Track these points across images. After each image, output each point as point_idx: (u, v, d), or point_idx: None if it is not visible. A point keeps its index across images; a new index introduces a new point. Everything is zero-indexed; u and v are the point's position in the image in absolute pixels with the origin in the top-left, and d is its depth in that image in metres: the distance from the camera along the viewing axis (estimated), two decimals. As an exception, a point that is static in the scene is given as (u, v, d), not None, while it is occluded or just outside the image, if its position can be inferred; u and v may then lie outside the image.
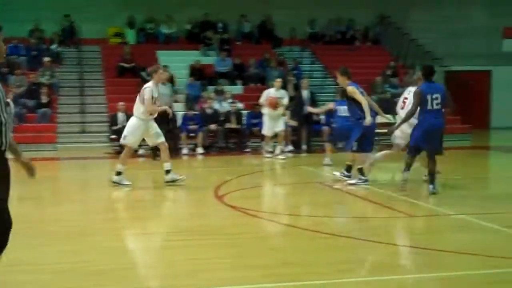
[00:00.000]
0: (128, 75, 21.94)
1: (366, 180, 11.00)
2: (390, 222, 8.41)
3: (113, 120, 17.67)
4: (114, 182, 11.16)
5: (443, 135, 10.32)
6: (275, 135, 16.65)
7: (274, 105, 16.05)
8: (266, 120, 16.43)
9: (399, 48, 25.01)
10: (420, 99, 9.93)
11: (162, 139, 11.22)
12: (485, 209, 9.06)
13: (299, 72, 22.36)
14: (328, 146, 14.66)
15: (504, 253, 6.51)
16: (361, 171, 11.02)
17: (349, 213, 9.17)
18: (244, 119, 18.60)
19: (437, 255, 6.47)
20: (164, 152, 11.28)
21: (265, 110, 16.46)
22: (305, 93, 17.67)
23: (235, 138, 18.52)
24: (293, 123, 17.76)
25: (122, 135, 11.57)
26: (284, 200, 10.60)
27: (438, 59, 24.24)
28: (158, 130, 11.29)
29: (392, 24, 25.46)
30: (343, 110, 13.63)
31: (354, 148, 11.02)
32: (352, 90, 11.09)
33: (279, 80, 17.42)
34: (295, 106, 17.69)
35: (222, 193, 10.38)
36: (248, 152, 17.84)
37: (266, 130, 16.22)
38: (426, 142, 9.98)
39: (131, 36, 23.78)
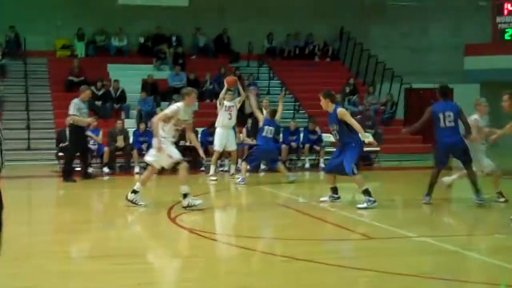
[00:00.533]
0: (76, 89, 21.58)
1: (374, 201, 10.81)
2: (349, 244, 8.47)
3: (60, 137, 17.46)
4: (129, 200, 10.93)
5: (465, 149, 10.88)
6: (223, 154, 16.67)
7: (233, 82, 16.07)
8: (218, 136, 16.19)
9: (359, 64, 25.33)
10: (431, 118, 10.92)
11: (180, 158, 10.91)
12: (447, 231, 9.18)
13: (256, 88, 22.41)
14: (244, 165, 14.87)
15: (464, 276, 6.60)
16: (366, 192, 10.89)
17: (307, 235, 9.21)
18: (199, 137, 18.54)
19: (401, 279, 6.52)
20: (182, 172, 10.87)
21: (218, 125, 16.22)
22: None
23: (189, 156, 18.44)
24: (252, 141, 17.82)
25: (148, 153, 11.30)
26: (240, 222, 10.58)
27: (398, 76, 24.63)
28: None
29: (352, 40, 25.78)
30: (269, 131, 14.16)
31: (355, 172, 10.85)
32: (344, 112, 11.05)
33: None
34: (253, 124, 17.75)
35: (175, 214, 10.31)
36: (203, 171, 17.78)
37: (218, 146, 16.15)
38: (447, 159, 10.98)
39: (80, 48, 23.61)
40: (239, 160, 17.12)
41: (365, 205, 10.71)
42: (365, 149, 19.55)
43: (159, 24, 24.27)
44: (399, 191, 14.53)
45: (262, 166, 17.14)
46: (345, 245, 8.43)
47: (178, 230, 9.27)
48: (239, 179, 14.67)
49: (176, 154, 10.94)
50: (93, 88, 20.58)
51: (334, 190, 11.45)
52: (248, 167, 14.99)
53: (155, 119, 11.05)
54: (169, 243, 8.53)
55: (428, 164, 20.42)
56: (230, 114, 15.93)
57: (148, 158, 11.21)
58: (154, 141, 10.97)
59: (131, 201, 10.92)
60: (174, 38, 24.41)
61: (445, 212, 11.31)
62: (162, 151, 10.80)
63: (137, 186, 11.03)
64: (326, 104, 11.10)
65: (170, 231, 9.32)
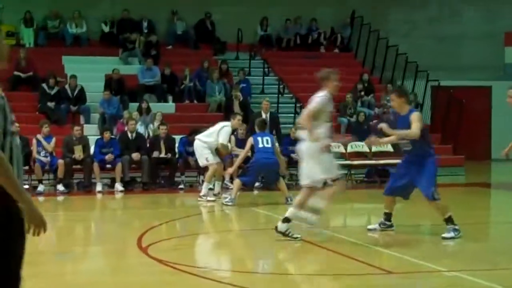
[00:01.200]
0: (24, 87, 21.74)
1: (459, 230, 10.85)
2: (364, 281, 8.49)
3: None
4: (280, 232, 10.36)
5: None
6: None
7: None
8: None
9: (375, 57, 25.41)
10: None
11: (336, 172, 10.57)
12: (483, 264, 9.22)
13: (248, 85, 22.51)
14: (237, 183, 14.96)
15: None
16: (450, 220, 10.79)
17: (310, 269, 9.22)
18: (176, 146, 18.58)
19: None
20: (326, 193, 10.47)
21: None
22: (264, 117, 17.88)
23: (165, 170, 18.47)
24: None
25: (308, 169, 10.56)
26: (225, 252, 10.59)
27: (423, 71, 24.71)
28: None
29: (366, 26, 25.87)
30: (265, 141, 14.29)
31: (436, 197, 10.58)
32: (420, 117, 10.69)
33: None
34: (246, 131, 17.79)
35: (147, 243, 10.31)
36: (181, 189, 17.80)
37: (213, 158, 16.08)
38: None
39: (28, 36, 23.60)
40: (226, 176, 17.14)
41: (451, 234, 10.56)
42: (381, 161, 19.79)
43: (127, 6, 24.31)
44: (424, 213, 14.54)
45: (257, 183, 17.17)
46: (358, 281, 8.44)
47: (150, 262, 9.27)
48: (227, 199, 14.69)
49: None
50: (44, 85, 20.62)
51: (388, 216, 11.30)
52: (242, 185, 14.98)
53: (304, 118, 10.41)
54: (139, 278, 8.53)
55: (460, 181, 20.57)
56: None
57: (318, 176, 10.28)
58: (311, 146, 10.20)
59: (283, 233, 10.36)
60: (145, 24, 24.44)
61: (482, 239, 11.33)
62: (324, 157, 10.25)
63: (291, 213, 10.39)
64: (400, 105, 10.77)
65: (141, 263, 9.32)
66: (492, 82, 25.63)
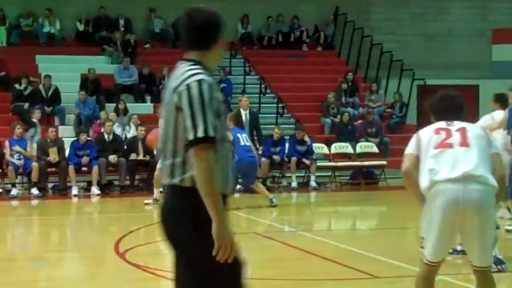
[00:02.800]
0: (-4, 87, 21.64)
1: None
2: (350, 286, 8.50)
3: (-25, 150, 17.35)
4: None
5: None
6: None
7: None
8: None
9: (359, 55, 25.45)
10: None
11: None
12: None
13: (228, 85, 22.50)
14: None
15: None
16: None
17: (294, 274, 9.22)
18: (155, 149, 18.52)
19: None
20: None
21: None
22: (243, 115, 17.83)
23: (143, 173, 18.42)
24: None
25: None
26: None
27: (409, 70, 24.78)
28: None
29: (350, 23, 25.91)
30: (245, 139, 14.25)
31: None
32: None
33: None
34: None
35: (125, 248, 10.29)
36: (160, 192, 17.75)
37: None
38: None
39: (0, 35, 23.49)
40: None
41: None
42: (366, 163, 19.84)
43: (103, 3, 24.23)
44: (411, 216, 14.57)
45: (237, 186, 17.13)
46: (344, 286, 8.45)
47: (127, 268, 9.25)
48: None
49: None
50: (17, 86, 20.52)
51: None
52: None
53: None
54: (116, 285, 8.50)
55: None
56: None
57: None
58: None
59: None
60: (122, 22, 24.37)
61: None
62: None
63: None
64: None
65: (118, 269, 9.29)
66: (480, 81, 25.72)
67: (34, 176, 17.19)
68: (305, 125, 19.81)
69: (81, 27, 24.15)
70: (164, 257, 10.05)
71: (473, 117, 15.33)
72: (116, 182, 18.28)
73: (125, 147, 18.39)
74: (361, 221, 12.97)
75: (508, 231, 11.55)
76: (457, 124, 6.06)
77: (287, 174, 19.14)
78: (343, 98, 22.99)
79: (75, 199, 17.00)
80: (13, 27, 23.73)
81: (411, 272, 8.87)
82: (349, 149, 19.97)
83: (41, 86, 20.89)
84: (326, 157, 19.77)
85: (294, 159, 18.75)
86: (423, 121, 24.33)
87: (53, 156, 17.47)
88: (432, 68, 25.47)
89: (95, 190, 17.35)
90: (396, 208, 15.93)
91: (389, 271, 8.95)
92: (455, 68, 25.56)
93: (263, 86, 23.39)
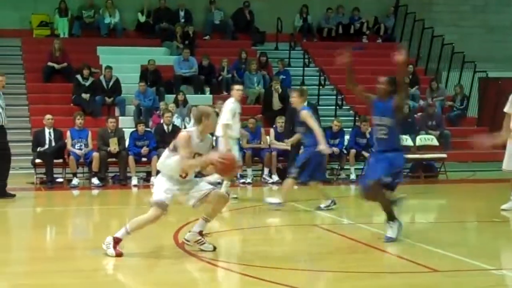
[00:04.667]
0: (58, 78, 21.91)
1: None
2: (407, 279, 8.43)
3: (38, 139, 17.59)
4: None
5: None
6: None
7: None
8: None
9: (420, 47, 25.25)
10: None
11: None
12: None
13: (287, 77, 22.48)
14: (290, 182, 13.57)
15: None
16: None
17: (353, 267, 9.18)
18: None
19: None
20: None
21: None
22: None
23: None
24: (283, 146, 17.84)
25: None
26: (265, 248, 10.57)
27: (471, 62, 24.50)
28: None
29: (410, 15, 25.71)
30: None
31: None
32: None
33: (238, 87, 15.02)
34: (288, 123, 17.64)
35: (183, 239, 10.32)
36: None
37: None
38: None
39: (62, 26, 23.77)
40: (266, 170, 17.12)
41: None
42: (427, 155, 19.64)
43: (163, -5, 24.42)
44: (471, 210, 14.44)
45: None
46: (401, 280, 8.39)
47: (185, 259, 9.28)
48: (274, 202, 13.62)
49: None
50: (78, 76, 20.76)
51: None
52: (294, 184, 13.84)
53: None
54: (172, 277, 8.54)
55: (508, 176, 20.30)
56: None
57: None
58: None
59: None
60: (182, 14, 24.51)
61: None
62: None
63: None
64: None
65: (175, 261, 9.33)
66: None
67: (95, 166, 17.36)
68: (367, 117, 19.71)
69: (142, 19, 24.33)
70: (220, 247, 10.09)
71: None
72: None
73: (185, 138, 18.45)
74: (421, 214, 12.85)
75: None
76: None
77: (345, 167, 19.07)
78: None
79: (134, 189, 17.13)
80: (75, 18, 24.01)
81: (470, 266, 8.79)
82: (409, 142, 19.80)
83: (102, 77, 21.12)
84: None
85: (353, 151, 18.68)
86: (484, 114, 24.20)
87: (113, 147, 17.62)
88: (493, 60, 25.14)
89: (154, 180, 17.44)
90: (456, 202, 15.77)
91: (448, 265, 8.86)
92: (518, 61, 25.22)
93: (322, 78, 23.33)
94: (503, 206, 12.75)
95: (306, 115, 12.82)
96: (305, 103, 13.92)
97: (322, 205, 13.25)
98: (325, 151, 13.06)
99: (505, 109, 12.88)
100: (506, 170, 12.74)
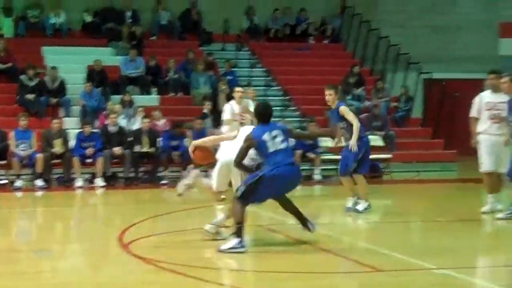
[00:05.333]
0: (2, 78, 21.65)
1: None
2: (351, 279, 8.49)
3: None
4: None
5: None
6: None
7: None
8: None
9: (366, 48, 25.41)
10: None
11: None
12: (474, 261, 9.23)
13: (234, 77, 22.48)
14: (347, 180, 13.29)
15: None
16: None
17: (297, 267, 9.22)
18: (160, 141, 18.56)
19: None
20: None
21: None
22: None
23: (147, 165, 18.45)
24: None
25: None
26: (209, 250, 10.57)
27: (416, 63, 24.73)
28: None
29: (357, 16, 25.86)
30: None
31: None
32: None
33: (239, 89, 15.78)
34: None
35: (128, 240, 10.29)
36: (165, 184, 17.78)
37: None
38: None
39: (7, 26, 23.49)
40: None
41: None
42: (372, 156, 19.77)
43: (110, -5, 24.24)
44: (415, 210, 14.59)
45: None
46: (346, 280, 8.44)
47: (131, 260, 9.24)
48: (364, 208, 12.99)
49: None
50: (23, 77, 20.53)
51: None
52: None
53: None
54: (120, 277, 8.50)
55: (452, 176, 20.60)
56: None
57: None
58: None
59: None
60: (129, 14, 24.34)
61: (474, 236, 11.36)
62: None
63: None
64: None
65: (122, 261, 9.29)
66: (486, 75, 25.58)
67: (39, 167, 17.22)
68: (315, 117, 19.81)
69: (88, 19, 24.13)
70: (167, 249, 10.07)
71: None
72: (120, 174, 18.29)
73: (130, 139, 18.39)
74: (365, 214, 12.93)
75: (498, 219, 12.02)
76: None
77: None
78: (349, 91, 22.94)
79: (79, 191, 17.02)
80: (19, 18, 23.72)
81: (413, 265, 8.88)
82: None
83: (46, 78, 20.91)
84: (331, 150, 19.72)
85: (299, 152, 18.73)
86: (428, 115, 24.46)
87: (57, 148, 17.49)
88: (439, 61, 25.39)
89: (99, 182, 17.38)
90: (400, 202, 15.93)
91: (392, 265, 8.94)
92: (462, 62, 25.47)
93: (269, 78, 23.38)
94: (483, 209, 12.78)
95: (345, 110, 12.65)
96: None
97: (360, 207, 12.83)
98: (353, 148, 12.58)
99: (470, 114, 13.06)
100: (487, 171, 12.75)
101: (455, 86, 24.89)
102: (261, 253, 9.95)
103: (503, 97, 12.58)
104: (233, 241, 9.62)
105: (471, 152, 13.68)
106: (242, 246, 9.59)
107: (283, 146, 9.81)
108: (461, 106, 24.63)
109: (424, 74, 24.89)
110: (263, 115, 10.00)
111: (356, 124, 12.54)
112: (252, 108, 15.77)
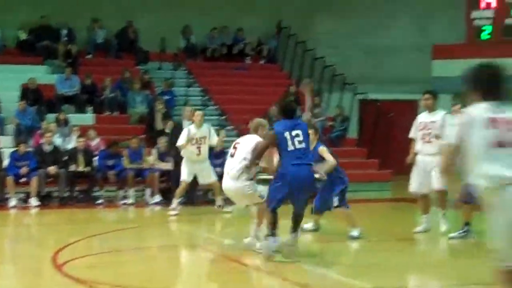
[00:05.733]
0: None
1: None
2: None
3: None
4: None
5: None
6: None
7: None
8: (185, 165, 16.02)
9: (301, 69, 25.62)
10: None
11: None
12: (407, 279, 9.35)
13: (172, 97, 22.49)
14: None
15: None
16: None
17: (229, 285, 9.25)
18: (96, 160, 18.45)
19: None
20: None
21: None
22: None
23: (83, 184, 18.31)
24: (166, 166, 17.85)
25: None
26: (145, 270, 10.55)
27: (351, 84, 25.01)
28: None
29: (293, 37, 26.08)
30: None
31: None
32: None
33: (199, 113, 16.80)
34: (172, 142, 17.68)
35: (63, 260, 10.21)
36: (100, 204, 17.67)
37: (186, 175, 15.92)
38: None
39: None
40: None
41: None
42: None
43: (45, 13, 24.03)
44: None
45: (180, 199, 17.10)
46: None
47: (66, 281, 9.18)
48: (355, 235, 12.54)
49: None
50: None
51: None
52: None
53: None
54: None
55: (386, 196, 20.83)
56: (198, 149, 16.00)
57: None
58: None
59: None
60: (64, 32, 24.18)
61: (408, 255, 11.52)
62: None
63: None
64: None
65: (56, 282, 9.22)
66: (419, 96, 25.94)
67: (-29, 187, 16.98)
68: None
69: (23, 36, 23.91)
70: (102, 269, 10.01)
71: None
72: (55, 194, 18.12)
73: (65, 158, 18.24)
74: (303, 236, 13.02)
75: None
76: None
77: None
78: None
79: (13, 211, 16.80)
80: (-50, 35, 23.42)
81: (347, 285, 8.94)
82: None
83: (-20, 96, 20.66)
84: (264, 170, 19.78)
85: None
86: (364, 135, 24.74)
87: (-9, 167, 17.27)
88: (373, 82, 25.71)
89: (34, 201, 17.18)
90: (335, 222, 16.07)
91: (327, 284, 9.00)
92: (396, 83, 25.82)
93: (206, 98, 23.44)
94: (417, 229, 12.91)
95: (323, 150, 12.18)
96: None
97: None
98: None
99: (410, 135, 13.27)
100: (415, 192, 12.96)
101: (389, 106, 25.26)
102: (194, 274, 9.97)
103: (436, 117, 12.79)
104: (268, 240, 10.20)
105: (406, 172, 13.90)
106: (275, 242, 10.18)
107: (301, 146, 10.23)
108: (395, 126, 25.05)
109: (359, 95, 25.19)
110: (287, 111, 10.55)
111: (332, 163, 12.40)
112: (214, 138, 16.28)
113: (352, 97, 25.18)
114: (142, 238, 13.83)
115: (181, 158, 16.56)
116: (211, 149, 16.97)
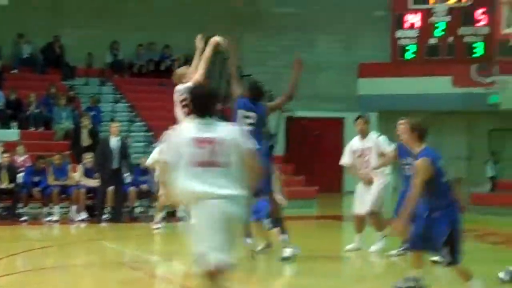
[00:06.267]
0: None
1: None
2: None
3: None
4: None
5: None
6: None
7: None
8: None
9: (228, 86, 25.67)
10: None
11: None
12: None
13: (98, 113, 22.37)
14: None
15: None
16: None
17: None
18: (21, 176, 18.22)
19: None
20: None
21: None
22: (114, 141, 17.69)
23: (6, 201, 18.08)
24: (93, 182, 17.74)
25: None
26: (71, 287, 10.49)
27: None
28: None
29: (220, 54, 26.13)
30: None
31: None
32: None
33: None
34: (98, 158, 17.62)
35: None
36: (25, 221, 17.45)
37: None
38: None
39: None
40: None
41: None
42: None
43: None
44: (276, 247, 14.77)
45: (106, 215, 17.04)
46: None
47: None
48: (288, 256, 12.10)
49: None
50: None
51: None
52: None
53: None
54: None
55: (311, 213, 20.96)
56: None
57: None
58: None
59: None
60: (-12, 46, 23.93)
61: (331, 273, 11.64)
62: None
63: None
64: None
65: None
66: (346, 113, 26.33)
67: None
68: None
69: None
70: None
71: (338, 149, 15.94)
72: (-22, 211, 17.85)
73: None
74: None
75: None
76: None
77: (154, 205, 19.01)
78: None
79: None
80: None
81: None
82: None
83: None
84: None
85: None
86: (290, 152, 24.92)
87: None
88: (300, 100, 25.83)
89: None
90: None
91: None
92: (322, 101, 26.13)
93: (133, 114, 23.37)
94: (348, 247, 13.00)
95: None
96: None
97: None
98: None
99: (342, 162, 13.24)
100: (358, 213, 13.04)
101: (316, 124, 25.50)
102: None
103: (370, 142, 12.84)
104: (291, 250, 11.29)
105: (331, 189, 14.05)
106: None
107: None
108: (321, 144, 25.34)
109: (286, 113, 25.35)
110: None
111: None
112: None
113: (279, 114, 25.35)
114: (67, 256, 13.70)
115: (107, 175, 16.54)
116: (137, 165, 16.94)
